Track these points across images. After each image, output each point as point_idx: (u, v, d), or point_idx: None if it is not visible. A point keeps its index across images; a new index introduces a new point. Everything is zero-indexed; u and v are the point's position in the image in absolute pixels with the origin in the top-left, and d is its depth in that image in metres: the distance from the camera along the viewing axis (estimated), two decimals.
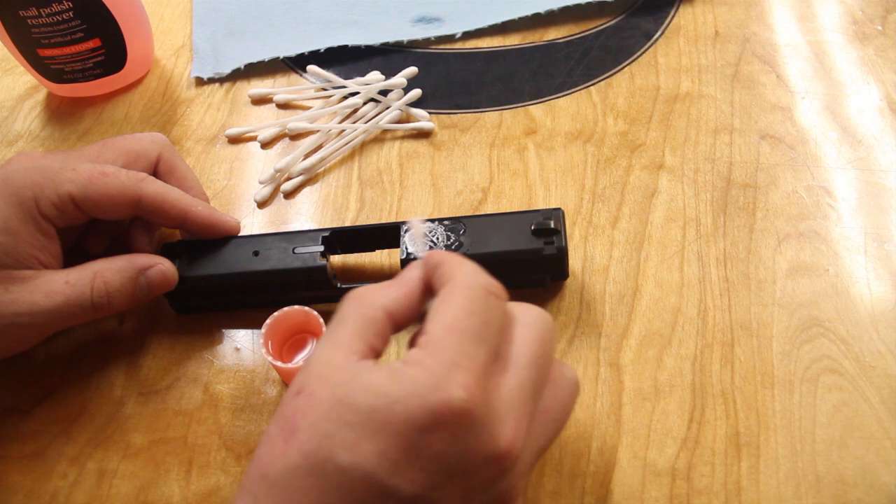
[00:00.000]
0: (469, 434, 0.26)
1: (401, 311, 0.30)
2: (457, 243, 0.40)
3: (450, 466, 0.26)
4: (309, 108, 0.54)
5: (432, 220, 0.41)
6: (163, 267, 0.40)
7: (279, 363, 0.38)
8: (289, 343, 0.41)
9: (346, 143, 0.51)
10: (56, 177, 0.38)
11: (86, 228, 0.43)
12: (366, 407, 0.26)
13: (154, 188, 0.41)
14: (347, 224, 0.47)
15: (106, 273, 0.39)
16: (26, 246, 0.38)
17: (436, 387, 0.26)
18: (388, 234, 0.42)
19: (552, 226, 0.39)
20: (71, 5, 0.50)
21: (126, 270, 0.39)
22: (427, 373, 0.26)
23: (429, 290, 0.31)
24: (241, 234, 0.47)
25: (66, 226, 0.40)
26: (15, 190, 0.38)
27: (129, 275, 0.39)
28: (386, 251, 0.45)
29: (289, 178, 0.50)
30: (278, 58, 0.57)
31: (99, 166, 0.40)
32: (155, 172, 0.43)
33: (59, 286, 0.38)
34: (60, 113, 0.56)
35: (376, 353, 0.29)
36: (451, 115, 0.52)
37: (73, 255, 0.41)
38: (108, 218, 0.41)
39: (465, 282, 0.29)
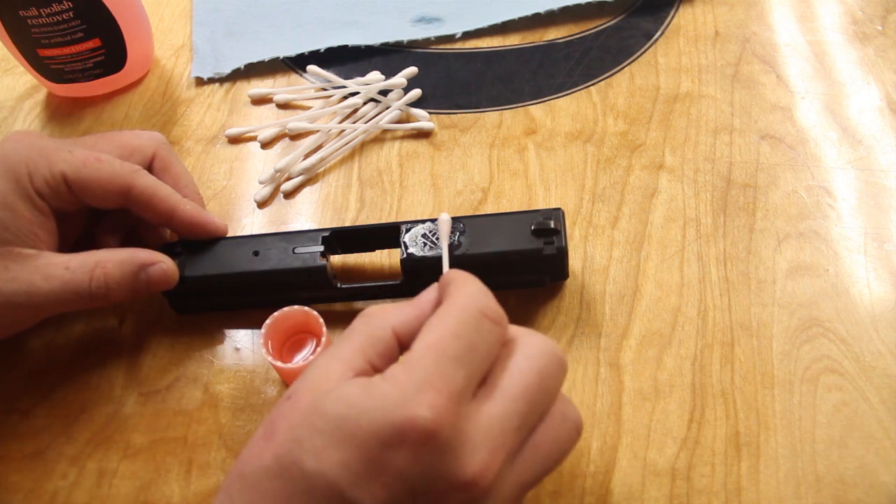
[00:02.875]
0: (433, 456, 0.26)
1: (410, 331, 0.30)
2: (457, 243, 0.40)
3: (413, 487, 0.26)
4: (309, 108, 0.54)
5: (433, 221, 0.41)
6: (164, 265, 0.40)
7: (279, 363, 0.38)
8: (289, 343, 0.41)
9: (346, 143, 0.51)
10: (51, 155, 0.39)
11: (96, 223, 0.43)
12: (336, 416, 0.26)
13: (146, 181, 0.41)
14: (347, 224, 0.47)
15: (107, 264, 0.39)
16: (24, 221, 0.38)
17: (402, 403, 0.26)
18: (388, 234, 0.42)
19: (552, 226, 0.39)
20: (71, 5, 0.50)
21: (127, 264, 0.39)
22: (398, 389, 0.26)
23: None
24: (241, 234, 0.47)
25: (58, 207, 0.39)
26: (11, 166, 0.38)
27: (129, 269, 0.39)
28: (386, 251, 0.45)
29: (289, 178, 0.50)
30: (278, 58, 0.57)
31: (95, 153, 0.40)
32: (150, 170, 0.43)
33: (58, 270, 0.38)
34: (60, 113, 0.56)
35: (377, 372, 0.29)
36: (451, 115, 0.52)
37: (82, 249, 0.41)
38: (98, 205, 0.40)
39: (461, 302, 0.29)
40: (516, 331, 0.30)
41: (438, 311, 0.29)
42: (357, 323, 0.30)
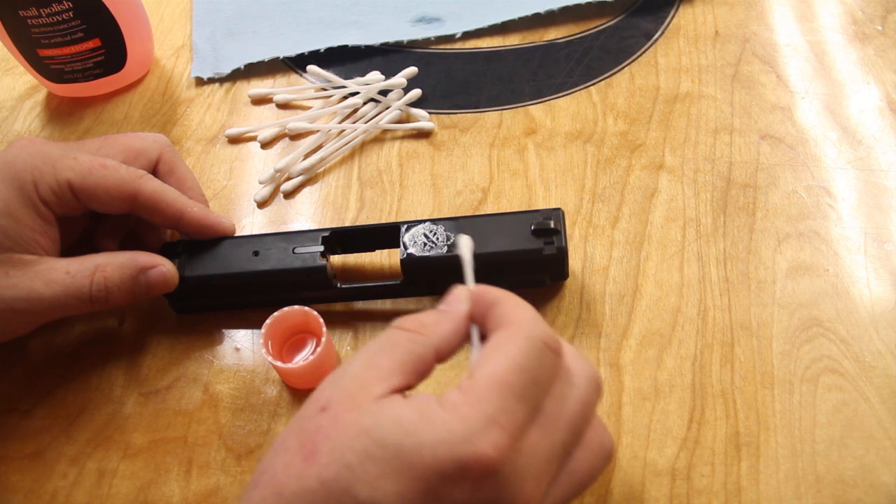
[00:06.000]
0: (491, 489, 0.26)
1: (449, 349, 0.30)
2: (454, 243, 0.40)
3: None
4: (309, 108, 0.54)
5: (433, 221, 0.41)
6: (164, 268, 0.40)
7: (279, 363, 0.38)
8: (289, 343, 0.41)
9: (346, 143, 0.51)
10: (57, 163, 0.39)
11: (95, 225, 0.43)
12: (392, 444, 0.26)
13: (151, 186, 0.41)
14: (347, 224, 0.47)
15: (107, 268, 0.39)
16: (27, 229, 0.38)
17: (468, 440, 0.25)
18: (388, 234, 0.42)
19: (552, 226, 0.39)
20: (71, 5, 0.50)
21: (127, 267, 0.39)
22: (462, 423, 0.26)
23: (475, 322, 0.30)
24: (241, 234, 0.47)
25: (63, 214, 0.40)
26: (16, 173, 0.38)
27: (129, 272, 0.39)
28: (386, 251, 0.45)
29: (289, 178, 0.50)
30: (278, 58, 0.57)
31: (100, 159, 0.40)
32: (155, 172, 0.43)
33: (59, 275, 0.38)
34: (60, 113, 0.56)
35: (410, 389, 0.29)
36: (451, 115, 0.52)
37: (82, 250, 0.41)
38: (104, 211, 0.41)
39: (524, 332, 0.28)
40: (563, 352, 0.30)
41: (500, 339, 0.28)
42: (399, 337, 0.29)
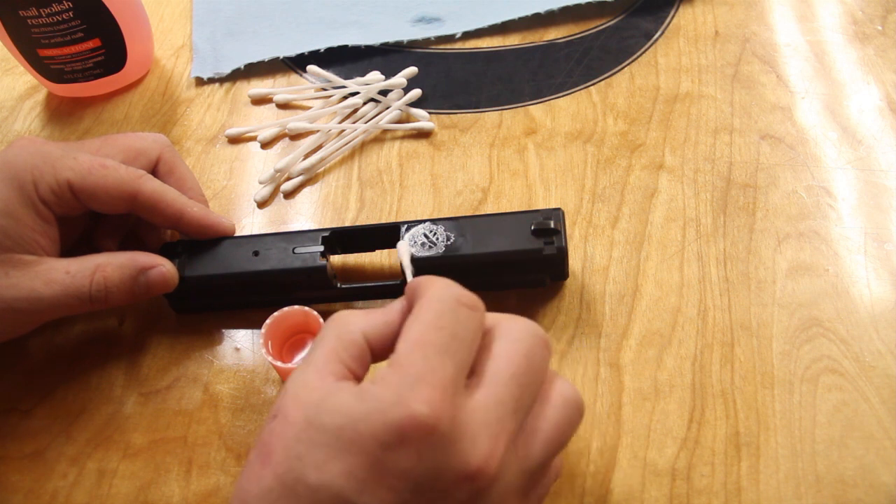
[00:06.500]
0: (436, 450, 0.26)
1: (379, 336, 0.30)
2: (454, 244, 0.40)
3: (419, 485, 0.26)
4: (309, 108, 0.54)
5: (433, 221, 0.41)
6: (164, 269, 0.40)
7: (279, 363, 0.38)
8: (289, 343, 0.41)
9: (346, 143, 0.51)
10: (56, 163, 0.39)
11: (95, 225, 0.43)
12: (333, 427, 0.26)
13: (151, 186, 0.41)
14: (347, 224, 0.47)
15: (107, 268, 0.39)
16: (27, 229, 0.38)
17: (398, 402, 0.26)
18: (388, 234, 0.42)
19: (552, 226, 0.39)
20: (71, 5, 0.50)
21: (127, 268, 0.39)
22: (390, 389, 0.26)
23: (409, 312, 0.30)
24: (240, 234, 0.47)
25: (63, 214, 0.40)
26: (16, 173, 0.38)
27: (129, 272, 0.39)
28: (386, 251, 0.45)
29: (289, 178, 0.50)
30: (278, 58, 0.57)
31: (100, 159, 0.40)
32: (154, 172, 0.43)
33: (59, 275, 0.38)
34: (60, 113, 0.56)
35: (355, 377, 0.29)
36: (451, 115, 0.52)
37: (82, 250, 0.41)
38: (103, 211, 0.41)
39: (434, 295, 0.29)
40: (496, 316, 0.30)
41: (414, 310, 0.29)
42: (326, 329, 0.30)
